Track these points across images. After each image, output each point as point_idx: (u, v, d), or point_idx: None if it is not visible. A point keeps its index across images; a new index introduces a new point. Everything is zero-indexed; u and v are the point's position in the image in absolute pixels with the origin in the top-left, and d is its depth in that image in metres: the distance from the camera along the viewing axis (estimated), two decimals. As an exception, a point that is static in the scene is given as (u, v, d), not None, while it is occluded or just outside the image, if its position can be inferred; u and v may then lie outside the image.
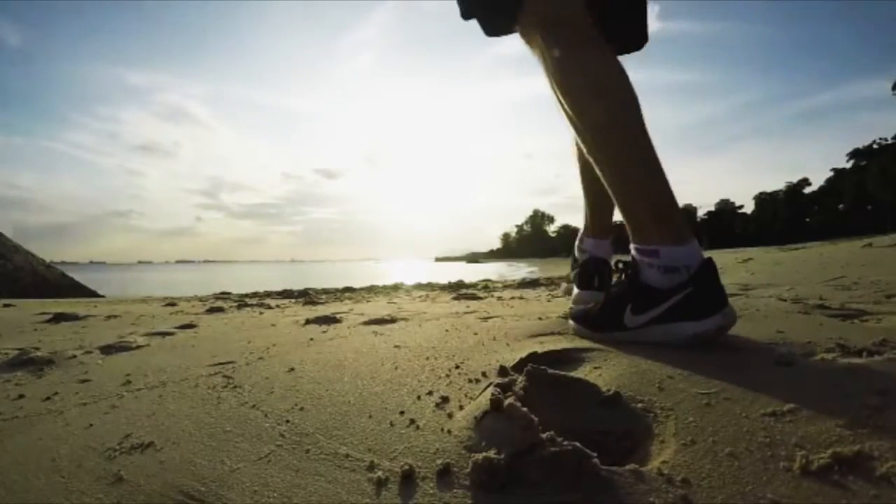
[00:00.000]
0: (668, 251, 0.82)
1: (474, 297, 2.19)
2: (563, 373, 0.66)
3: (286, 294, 3.41)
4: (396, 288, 3.42)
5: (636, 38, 1.18)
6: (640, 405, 0.60)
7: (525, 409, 0.52)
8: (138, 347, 1.26)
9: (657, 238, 0.84)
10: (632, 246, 0.88)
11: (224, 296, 3.62)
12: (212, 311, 2.17)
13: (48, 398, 0.83)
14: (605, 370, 0.74)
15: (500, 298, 2.09)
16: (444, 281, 4.07)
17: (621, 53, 1.14)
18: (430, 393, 0.71)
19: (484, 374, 0.77)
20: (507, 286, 3.11)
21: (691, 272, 0.81)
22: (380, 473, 0.49)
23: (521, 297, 2.11)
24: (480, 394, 0.67)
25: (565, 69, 0.90)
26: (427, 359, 0.90)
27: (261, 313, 2.01)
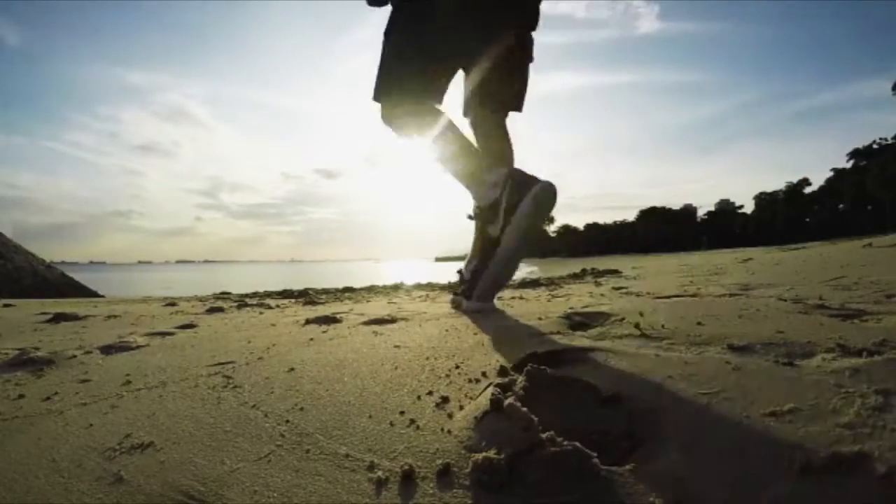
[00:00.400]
0: (489, 174, 1.38)
1: (474, 297, 2.18)
2: (563, 373, 0.66)
3: (286, 294, 3.40)
4: (396, 288, 3.42)
5: (512, 105, 1.67)
6: (640, 405, 0.60)
7: (525, 409, 0.52)
8: (138, 347, 1.26)
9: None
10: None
11: (224, 296, 3.62)
12: (212, 311, 2.17)
13: (48, 398, 0.83)
14: (605, 370, 0.74)
15: (500, 298, 2.09)
16: (444, 281, 4.07)
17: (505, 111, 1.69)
18: (430, 393, 0.71)
19: (484, 374, 0.77)
20: (506, 286, 3.11)
21: (504, 176, 1.33)
22: (380, 473, 0.49)
23: (521, 297, 2.11)
24: (480, 394, 0.67)
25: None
26: (427, 359, 0.90)
27: (261, 313, 2.01)
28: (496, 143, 1.61)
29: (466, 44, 1.50)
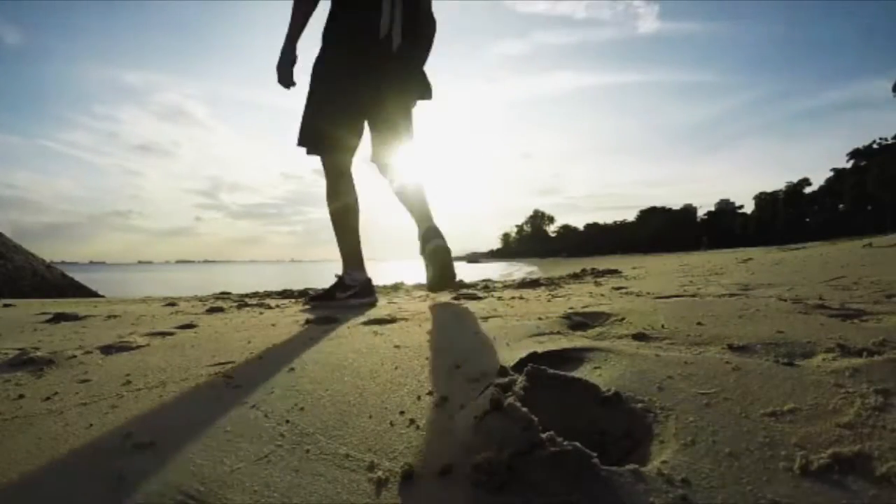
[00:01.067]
0: (352, 274, 2.02)
1: (474, 297, 2.19)
2: (563, 373, 0.66)
3: (286, 294, 3.40)
4: (396, 288, 3.42)
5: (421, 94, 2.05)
6: (640, 405, 0.60)
7: (525, 409, 0.52)
8: (138, 347, 1.26)
9: (348, 268, 2.05)
10: (342, 269, 2.06)
11: (224, 296, 3.61)
12: (212, 311, 2.17)
13: (48, 398, 0.83)
14: (605, 370, 0.74)
15: (500, 298, 2.09)
16: (444, 281, 4.07)
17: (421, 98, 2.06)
18: (430, 393, 0.71)
19: (484, 374, 0.77)
20: (507, 286, 3.11)
21: (360, 284, 2.01)
22: (380, 473, 0.49)
23: (521, 297, 2.11)
24: (480, 394, 0.67)
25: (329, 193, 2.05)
26: (427, 359, 0.90)
27: (261, 313, 2.01)
28: (400, 138, 2.01)
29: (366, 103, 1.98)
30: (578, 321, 1.19)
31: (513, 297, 2.12)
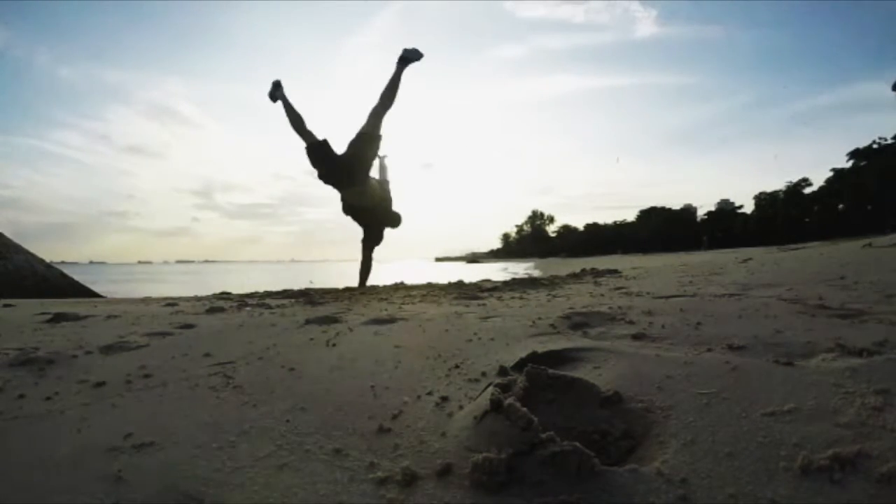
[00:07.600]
0: None
1: (474, 297, 2.19)
2: (563, 373, 0.66)
3: (286, 294, 3.40)
4: (396, 288, 3.42)
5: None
6: (640, 405, 0.60)
7: (525, 409, 0.52)
8: (138, 347, 1.26)
9: None
10: None
11: (224, 296, 3.61)
12: (212, 311, 2.17)
13: (48, 398, 0.83)
14: (605, 370, 0.74)
15: (500, 298, 2.09)
16: (444, 281, 4.07)
17: None
18: (430, 393, 0.71)
19: (484, 374, 0.77)
20: (507, 286, 3.11)
21: None
22: (380, 473, 0.49)
23: (521, 297, 2.11)
24: (480, 394, 0.67)
25: None
26: (427, 359, 0.90)
27: (261, 313, 2.01)
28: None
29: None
30: (578, 321, 1.19)
31: (513, 297, 2.12)
